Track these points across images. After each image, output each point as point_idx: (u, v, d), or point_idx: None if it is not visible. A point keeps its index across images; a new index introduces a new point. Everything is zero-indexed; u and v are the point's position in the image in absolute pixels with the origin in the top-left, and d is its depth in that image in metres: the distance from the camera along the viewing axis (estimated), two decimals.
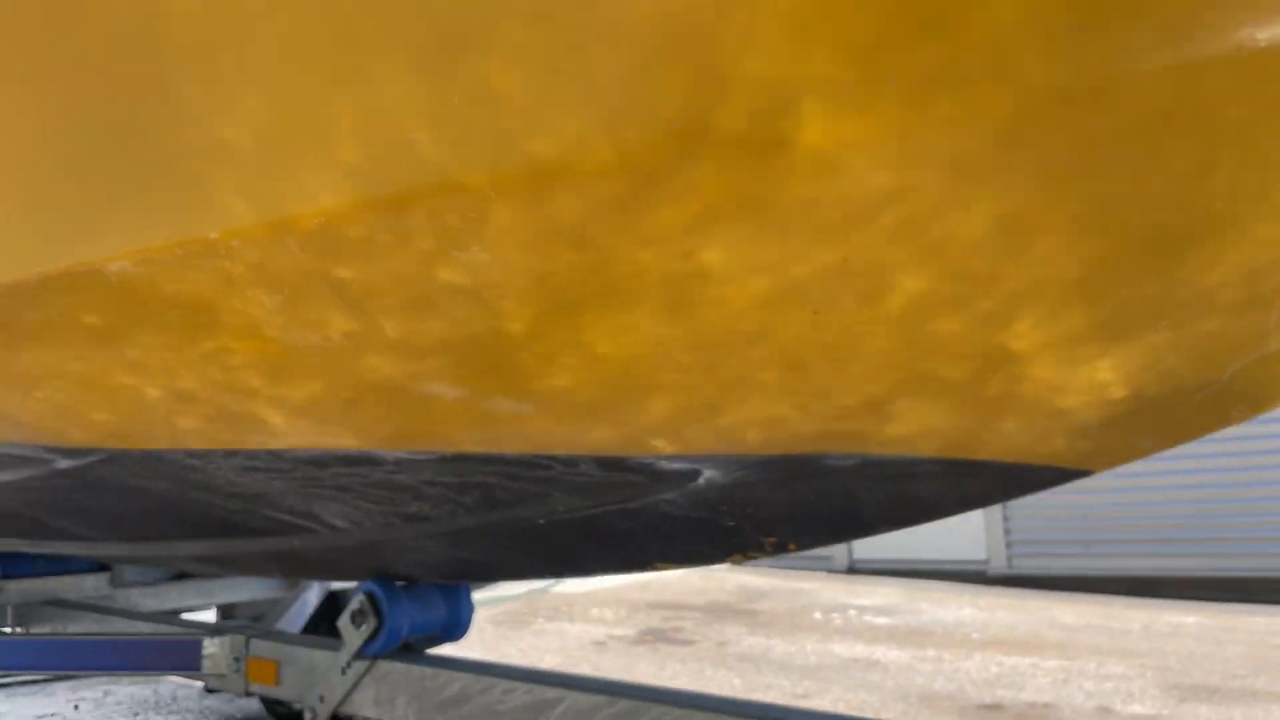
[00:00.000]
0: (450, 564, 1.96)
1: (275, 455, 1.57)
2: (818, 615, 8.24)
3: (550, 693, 1.77)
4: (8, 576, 3.30)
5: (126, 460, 1.71)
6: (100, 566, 3.49)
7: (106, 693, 5.82)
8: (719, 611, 8.58)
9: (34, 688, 5.98)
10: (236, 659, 2.46)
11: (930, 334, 1.05)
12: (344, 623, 2.08)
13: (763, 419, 1.22)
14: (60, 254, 1.21)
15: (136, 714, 5.23)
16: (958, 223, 0.91)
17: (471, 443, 1.42)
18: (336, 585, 4.31)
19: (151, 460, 1.68)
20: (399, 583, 2.10)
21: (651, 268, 1.03)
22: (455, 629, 2.17)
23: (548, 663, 4.65)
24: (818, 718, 1.45)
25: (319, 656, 2.25)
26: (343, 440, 1.48)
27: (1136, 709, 4.16)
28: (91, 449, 1.70)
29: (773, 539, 1.50)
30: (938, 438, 1.21)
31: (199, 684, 5.89)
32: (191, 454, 1.62)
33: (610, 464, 1.39)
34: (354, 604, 2.07)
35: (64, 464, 1.80)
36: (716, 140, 0.87)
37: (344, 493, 1.68)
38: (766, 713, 1.53)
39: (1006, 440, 1.19)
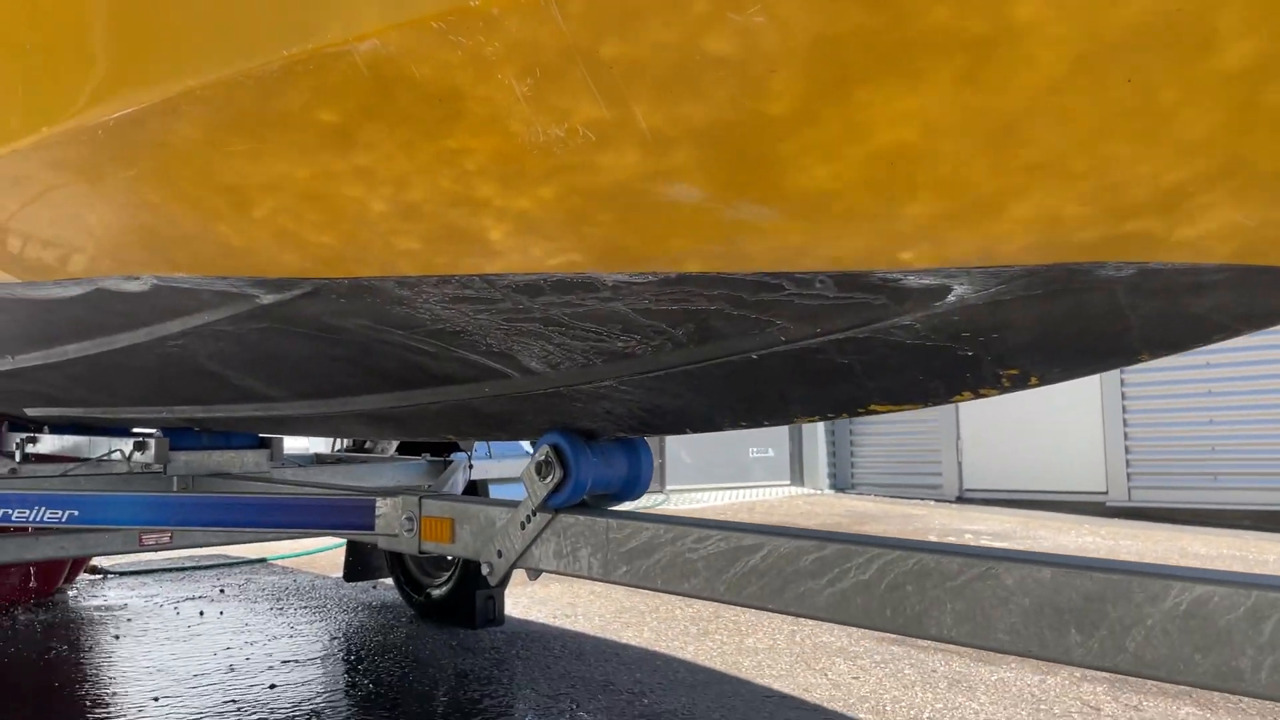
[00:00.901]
0: (641, 413, 1.93)
1: (488, 282, 1.55)
2: (933, 539, 8.11)
3: (749, 539, 1.74)
4: (175, 449, 3.42)
5: (333, 293, 1.71)
6: (260, 443, 3.60)
7: (248, 579, 6.10)
8: None
9: (178, 574, 6.31)
10: (409, 518, 2.50)
11: (1259, 107, 0.94)
12: (528, 474, 2.09)
13: (1038, 220, 1.13)
14: (307, 33, 1.18)
15: (278, 599, 5.46)
16: None
17: (700, 260, 1.37)
18: (478, 474, 4.39)
19: (359, 291, 1.68)
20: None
21: (951, 28, 0.95)
22: (635, 486, 2.15)
23: None
24: (1029, 557, 1.38)
25: (496, 512, 2.27)
26: (563, 260, 1.44)
27: None
28: (299, 280, 1.70)
29: (1013, 371, 1.42)
30: (1235, 240, 1.11)
31: (337, 574, 6.14)
32: (402, 282, 1.61)
33: (849, 281, 1.32)
34: (539, 455, 2.06)
35: (267, 299, 1.81)
36: None
37: (548, 327, 1.66)
38: (986, 553, 1.47)
39: None
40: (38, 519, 2.73)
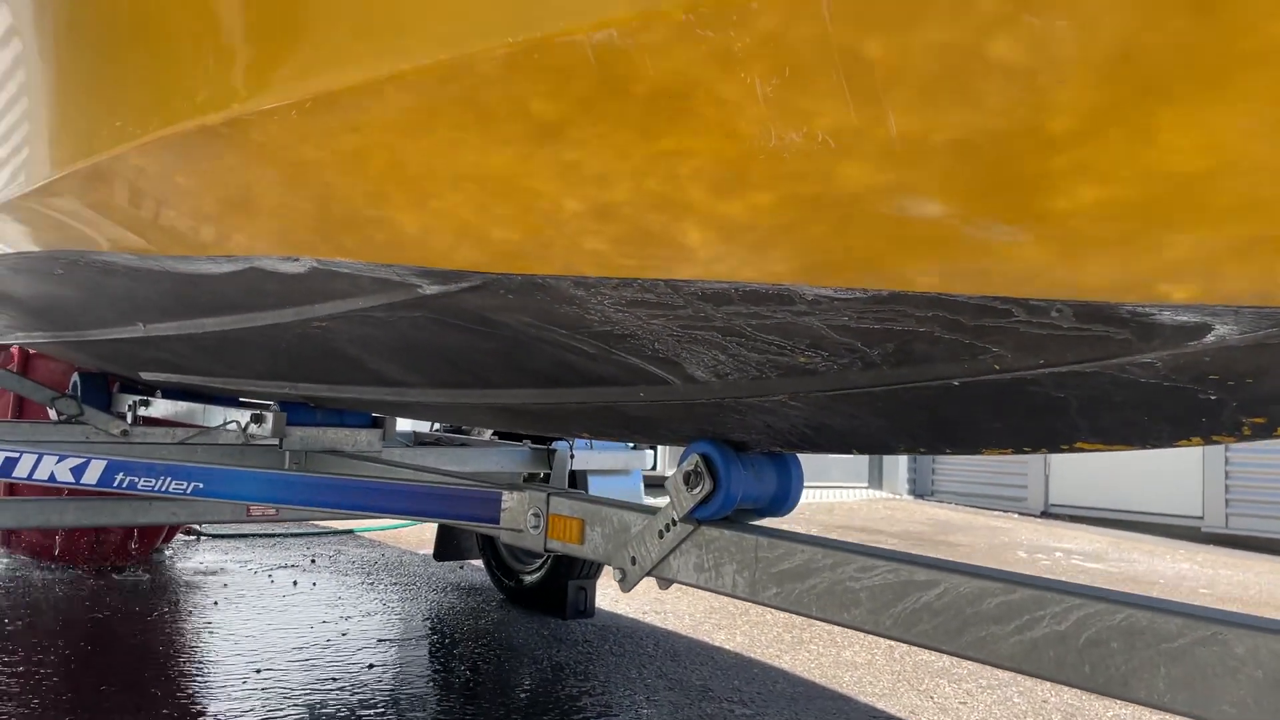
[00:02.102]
0: (804, 430, 1.84)
1: (674, 288, 1.46)
2: (1022, 554, 7.89)
3: (922, 574, 1.64)
4: (291, 424, 3.42)
5: (502, 288, 1.64)
6: (372, 422, 3.59)
7: (338, 551, 6.16)
8: (915, 541, 8.35)
9: (270, 540, 6.40)
10: (536, 515, 2.44)
11: None
12: (674, 483, 2.01)
13: None
14: (536, 21, 1.11)
15: (368, 573, 5.50)
16: None
17: (920, 279, 1.26)
18: (578, 465, 4.34)
19: (530, 289, 1.61)
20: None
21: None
22: (783, 503, 2.06)
23: None
24: (1263, 624, 1.26)
25: (631, 517, 2.20)
26: (763, 270, 1.35)
27: None
28: (468, 273, 1.64)
29: (1259, 419, 1.29)
30: None
31: (424, 551, 6.17)
32: (580, 282, 1.53)
33: (1092, 312, 1.21)
34: (687, 464, 1.98)
35: (430, 290, 1.75)
36: None
37: (727, 337, 1.57)
38: (1212, 615, 1.35)
39: None
40: (162, 489, 2.74)
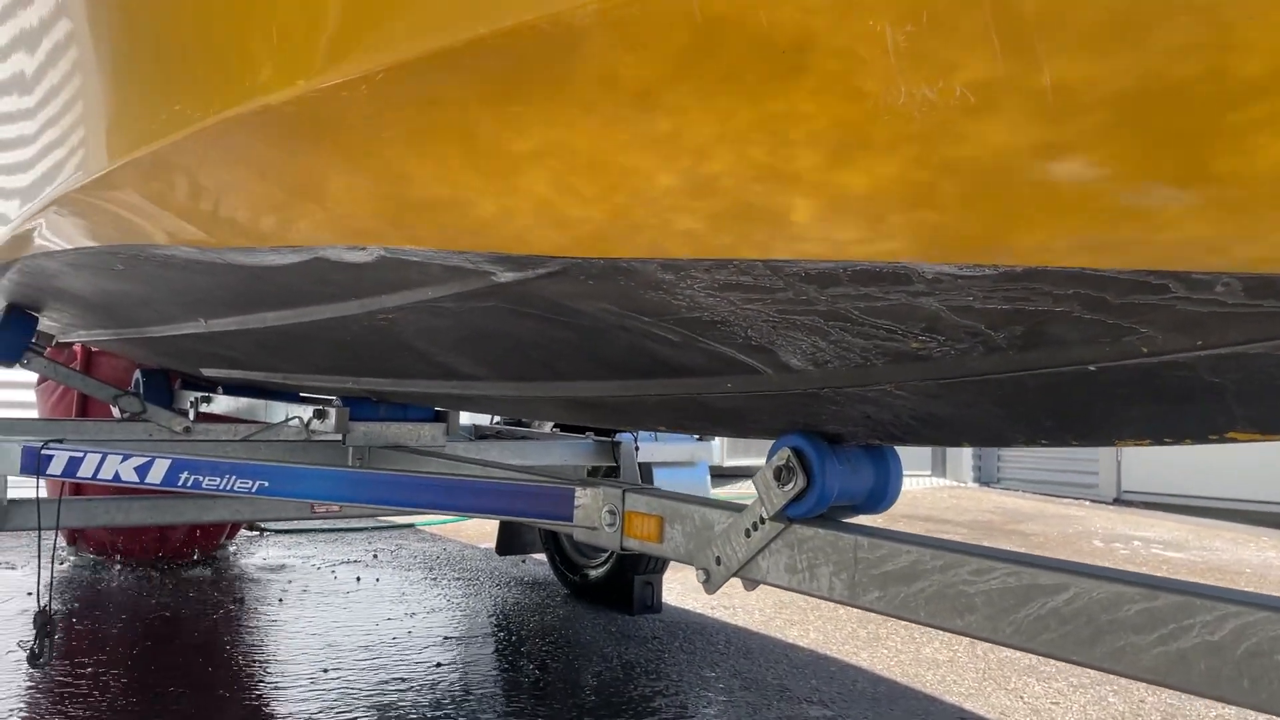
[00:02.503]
0: (910, 422, 1.70)
1: (774, 269, 1.34)
2: (1098, 543, 7.64)
3: (1047, 577, 1.50)
4: (354, 419, 3.35)
5: (582, 274, 1.53)
6: (436, 416, 3.51)
7: (400, 546, 6.12)
8: (985, 530, 8.12)
9: (332, 535, 6.38)
10: (611, 512, 2.33)
11: None
12: (764, 479, 1.88)
13: None
14: None
15: (431, 568, 5.45)
16: None
17: (1063, 253, 1.12)
18: (644, 458, 4.22)
19: (613, 274, 1.49)
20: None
21: None
22: (880, 500, 1.93)
23: None
24: None
25: (715, 515, 2.08)
26: (878, 247, 1.22)
27: None
28: (547, 258, 1.52)
29: None
30: None
31: (485, 545, 6.11)
32: (669, 265, 1.41)
33: (1265, 287, 1.06)
34: (777, 458, 1.86)
35: (505, 278, 1.64)
36: None
37: (830, 321, 1.44)
38: None
39: None
40: (227, 488, 2.68)
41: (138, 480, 2.75)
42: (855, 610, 4.69)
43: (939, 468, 12.33)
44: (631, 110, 1.15)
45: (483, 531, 6.47)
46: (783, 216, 1.23)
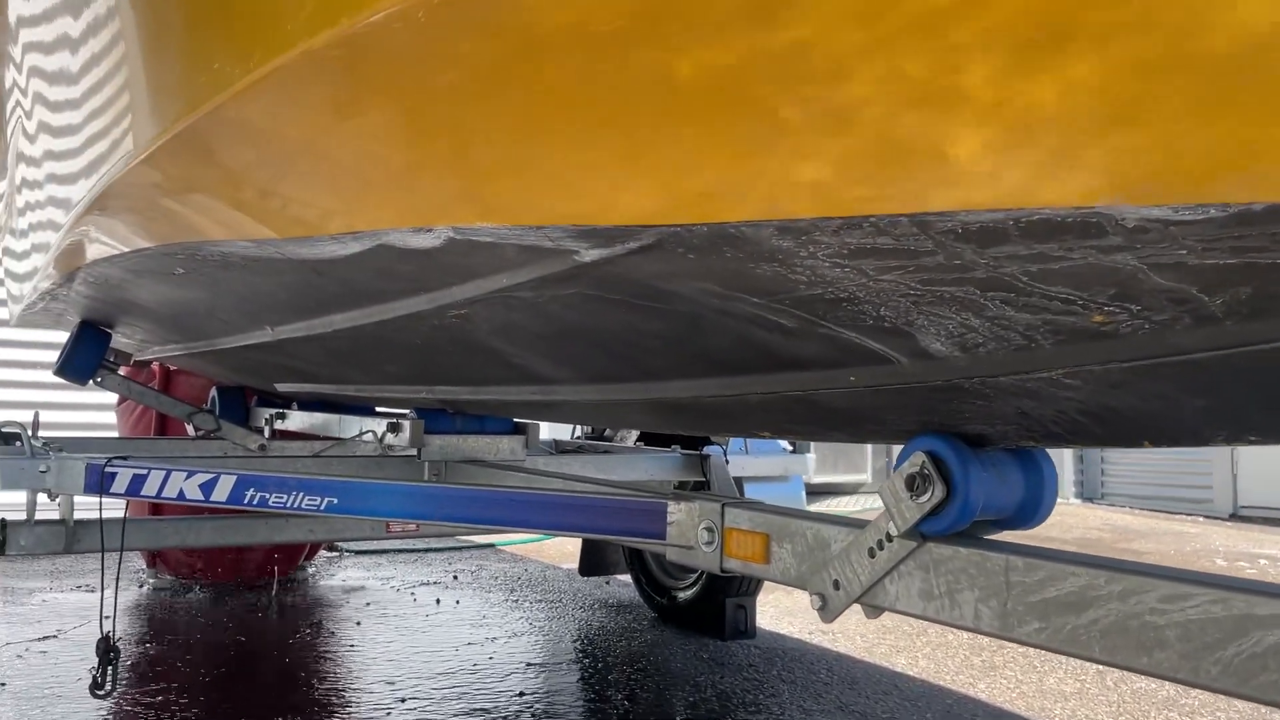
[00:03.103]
0: (1078, 418, 1.42)
1: (922, 225, 1.08)
2: (1220, 561, 7.10)
3: (1265, 606, 1.20)
4: (429, 432, 3.16)
5: (680, 245, 1.29)
6: (515, 428, 3.31)
7: (479, 566, 5.94)
8: (1093, 548, 7.64)
9: (411, 556, 6.24)
10: (709, 529, 2.08)
11: None
12: (892, 490, 1.62)
13: None
14: None
15: (512, 589, 5.25)
16: None
17: None
18: (734, 472, 3.96)
19: (718, 244, 1.25)
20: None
21: None
22: (1032, 513, 1.65)
23: None
24: None
25: (831, 531, 1.81)
26: (1065, 188, 0.95)
27: None
28: (639, 228, 1.29)
29: None
30: None
31: (567, 565, 5.90)
32: (788, 228, 1.16)
33: None
34: (909, 465, 1.59)
35: (589, 256, 1.41)
36: None
37: (989, 293, 1.18)
38: None
39: None
40: (295, 505, 2.50)
41: (202, 498, 2.60)
42: (966, 635, 4.34)
43: None
44: (741, 19, 0.92)
45: (564, 551, 6.26)
46: (939, 153, 0.97)
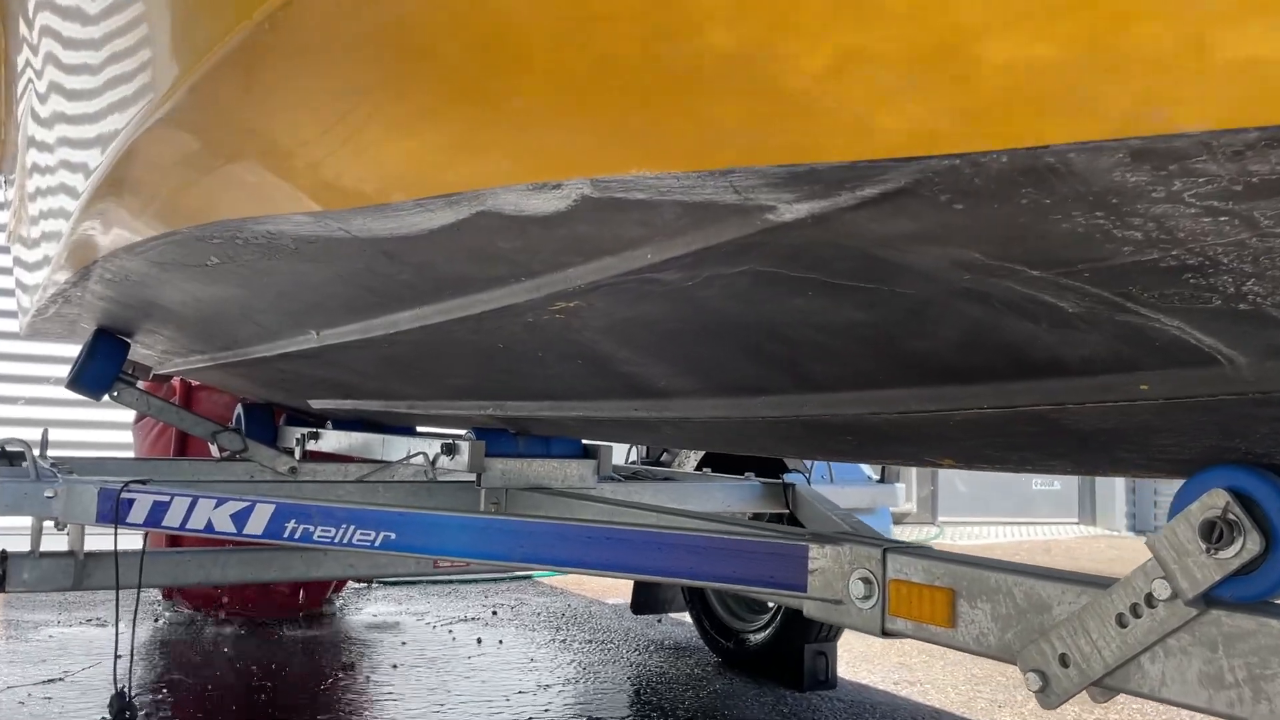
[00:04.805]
0: None
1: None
2: None
3: None
4: (490, 455, 2.76)
5: (952, 186, 0.89)
6: (584, 451, 2.90)
7: (520, 600, 5.51)
8: None
9: (444, 588, 5.81)
10: (866, 580, 1.67)
11: None
12: (1172, 539, 1.20)
13: None
14: None
15: (557, 627, 4.82)
16: None
17: None
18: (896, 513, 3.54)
19: (1017, 180, 0.85)
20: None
21: None
22: None
23: None
24: None
25: (1053, 590, 1.40)
26: None
27: None
28: (888, 164, 0.89)
29: None
30: None
31: (612, 600, 5.47)
32: (1148, 149, 0.76)
33: None
34: (1202, 507, 1.18)
35: (791, 213, 1.01)
36: None
37: None
38: None
39: None
40: (345, 540, 2.10)
41: (234, 531, 2.20)
42: None
43: (1086, 514, 11.27)
44: None
45: (606, 585, 5.83)
46: None
